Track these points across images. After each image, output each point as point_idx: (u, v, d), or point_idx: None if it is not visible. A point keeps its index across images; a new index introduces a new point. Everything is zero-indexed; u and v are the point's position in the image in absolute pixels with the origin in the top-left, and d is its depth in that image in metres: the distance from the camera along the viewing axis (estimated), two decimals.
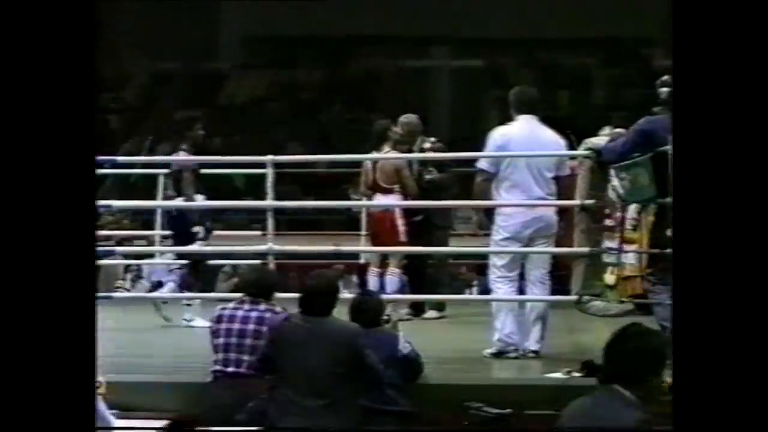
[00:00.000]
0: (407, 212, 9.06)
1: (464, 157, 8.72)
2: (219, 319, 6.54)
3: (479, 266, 12.28)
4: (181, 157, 8.82)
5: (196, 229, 8.56)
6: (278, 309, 6.56)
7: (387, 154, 9.07)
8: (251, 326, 6.45)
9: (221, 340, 6.47)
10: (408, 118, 9.44)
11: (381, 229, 9.06)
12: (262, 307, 6.52)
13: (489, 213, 7.65)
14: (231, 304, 6.62)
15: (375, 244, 9.18)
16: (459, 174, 9.72)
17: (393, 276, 9.06)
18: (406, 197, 8.96)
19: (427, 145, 9.37)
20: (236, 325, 6.47)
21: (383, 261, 9.17)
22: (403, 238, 9.01)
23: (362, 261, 10.08)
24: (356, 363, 6.07)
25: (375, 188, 9.13)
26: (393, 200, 9.00)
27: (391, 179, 9.05)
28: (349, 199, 9.51)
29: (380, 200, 9.05)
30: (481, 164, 7.47)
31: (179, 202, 8.72)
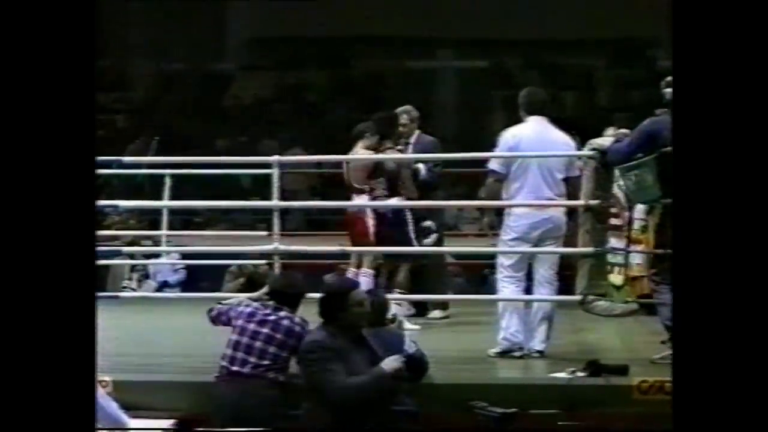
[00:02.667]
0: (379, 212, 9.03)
1: (474, 158, 8.72)
2: (239, 315, 6.58)
3: (475, 266, 12.30)
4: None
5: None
6: (297, 319, 6.58)
7: (358, 154, 9.11)
8: (265, 330, 6.47)
9: (234, 337, 6.50)
10: (406, 108, 9.45)
11: (353, 229, 9.10)
12: (282, 314, 6.54)
13: (500, 213, 7.66)
14: (255, 303, 6.67)
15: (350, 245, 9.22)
16: (451, 174, 9.75)
17: (365, 276, 9.12)
18: (375, 198, 8.91)
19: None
20: (251, 326, 6.49)
21: (359, 261, 9.20)
22: (373, 238, 8.98)
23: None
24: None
25: (349, 189, 9.18)
26: (365, 201, 9.01)
27: (361, 180, 9.08)
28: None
29: (355, 200, 9.07)
30: (492, 165, 7.48)
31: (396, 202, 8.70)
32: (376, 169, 8.80)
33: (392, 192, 8.71)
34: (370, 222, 8.98)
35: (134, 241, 11.31)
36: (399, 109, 9.44)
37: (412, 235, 8.77)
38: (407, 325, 8.62)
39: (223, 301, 7.05)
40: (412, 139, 9.33)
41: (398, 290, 8.73)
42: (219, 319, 6.79)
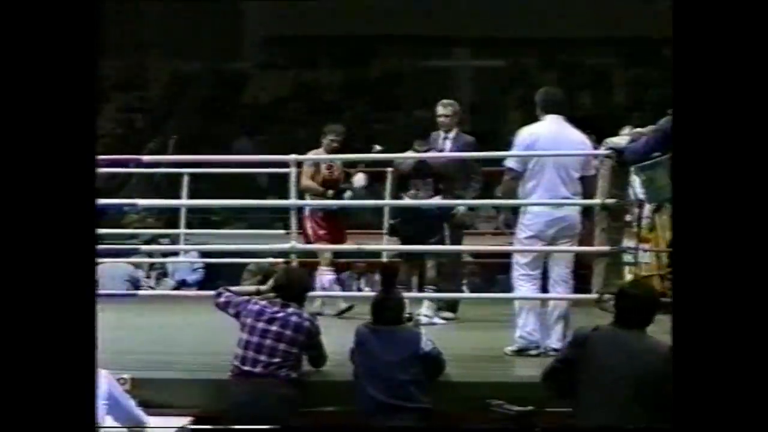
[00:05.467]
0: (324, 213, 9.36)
1: (490, 157, 8.72)
2: (248, 313, 6.59)
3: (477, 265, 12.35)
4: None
5: None
6: (305, 314, 6.61)
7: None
8: (274, 327, 6.48)
9: (244, 336, 6.51)
10: (449, 101, 9.43)
11: (301, 229, 9.41)
12: (290, 310, 6.55)
13: (516, 211, 7.68)
14: (263, 302, 6.67)
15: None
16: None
17: (322, 275, 9.40)
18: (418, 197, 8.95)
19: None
20: (260, 324, 6.50)
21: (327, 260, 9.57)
22: (312, 239, 9.32)
23: (384, 260, 10.11)
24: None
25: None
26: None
27: (303, 181, 9.39)
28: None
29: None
30: (509, 163, 7.49)
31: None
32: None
33: (436, 191, 8.79)
34: (308, 224, 9.39)
35: (152, 240, 11.36)
36: (442, 102, 9.38)
37: (446, 233, 8.85)
38: (436, 319, 8.72)
39: (232, 288, 7.08)
40: (451, 135, 9.29)
41: (430, 287, 8.86)
42: (226, 308, 6.77)
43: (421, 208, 8.74)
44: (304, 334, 6.50)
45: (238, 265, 10.73)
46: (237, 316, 6.64)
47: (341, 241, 9.47)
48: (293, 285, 6.74)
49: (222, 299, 6.81)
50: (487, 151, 9.04)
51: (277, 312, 6.54)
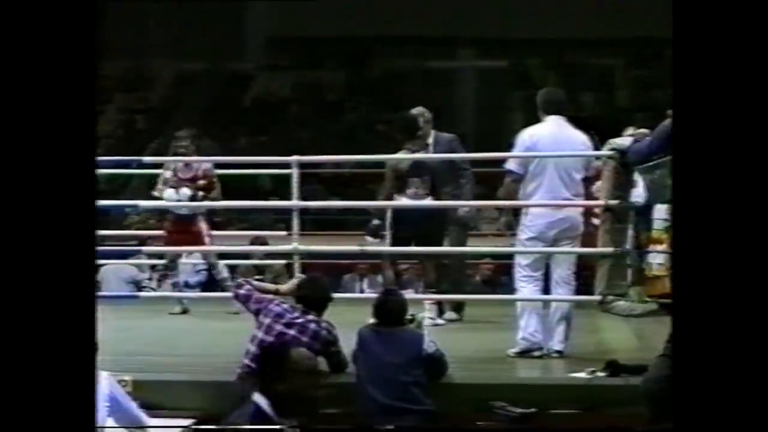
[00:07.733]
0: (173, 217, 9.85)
1: (491, 158, 8.72)
2: (268, 313, 6.60)
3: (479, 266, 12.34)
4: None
5: None
6: (324, 323, 6.62)
7: None
8: (292, 332, 6.51)
9: (259, 334, 6.53)
10: (418, 110, 9.38)
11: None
12: (310, 317, 6.59)
13: (517, 213, 7.68)
14: (285, 305, 6.68)
15: None
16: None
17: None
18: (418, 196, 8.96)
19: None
20: (278, 326, 6.53)
21: None
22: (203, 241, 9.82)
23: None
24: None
25: None
26: None
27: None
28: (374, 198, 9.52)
29: None
30: (510, 165, 7.49)
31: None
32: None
33: (433, 191, 8.77)
34: (198, 227, 9.85)
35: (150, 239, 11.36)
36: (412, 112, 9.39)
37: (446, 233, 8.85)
38: (438, 320, 8.72)
39: (252, 282, 7.07)
40: (430, 140, 9.29)
41: (430, 289, 8.86)
42: (247, 301, 6.78)
43: (420, 209, 8.72)
44: (320, 342, 6.51)
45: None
46: (257, 313, 6.66)
47: (194, 245, 9.87)
48: (317, 294, 6.76)
49: (243, 291, 6.82)
50: (489, 152, 9.01)
51: (297, 317, 6.57)
